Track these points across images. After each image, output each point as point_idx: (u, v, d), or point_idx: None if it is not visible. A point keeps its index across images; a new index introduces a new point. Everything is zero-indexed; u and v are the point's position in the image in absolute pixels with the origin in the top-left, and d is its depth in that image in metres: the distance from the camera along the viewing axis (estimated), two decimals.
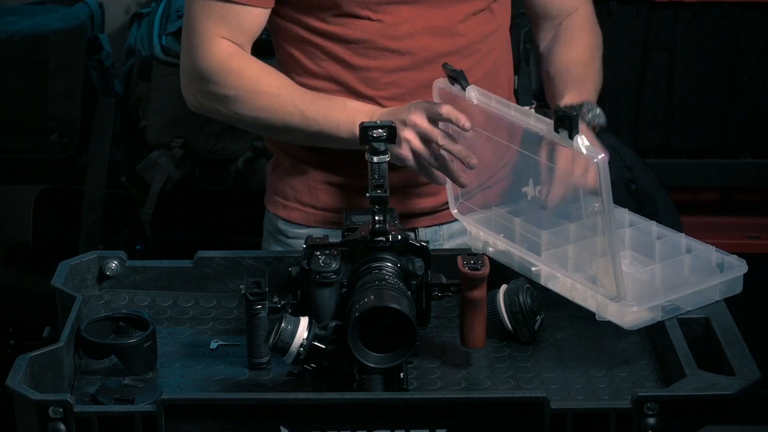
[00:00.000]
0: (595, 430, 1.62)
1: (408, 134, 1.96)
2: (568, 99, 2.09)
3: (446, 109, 1.93)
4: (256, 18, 2.08)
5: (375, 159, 1.78)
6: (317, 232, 2.16)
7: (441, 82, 1.99)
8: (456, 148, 1.94)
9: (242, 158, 3.03)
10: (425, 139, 1.96)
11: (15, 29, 3.08)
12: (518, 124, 1.86)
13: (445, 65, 1.96)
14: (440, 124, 1.96)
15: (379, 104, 2.08)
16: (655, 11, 3.21)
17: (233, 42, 2.07)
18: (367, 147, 1.79)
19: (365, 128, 1.78)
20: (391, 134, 1.78)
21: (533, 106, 3.14)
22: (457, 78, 1.94)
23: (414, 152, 1.97)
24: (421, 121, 1.95)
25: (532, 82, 3.16)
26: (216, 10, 2.05)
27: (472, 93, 1.94)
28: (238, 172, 3.04)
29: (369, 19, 2.06)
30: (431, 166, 1.97)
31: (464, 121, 1.92)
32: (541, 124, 1.82)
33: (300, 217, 2.19)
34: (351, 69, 2.09)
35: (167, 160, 3.04)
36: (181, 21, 3.04)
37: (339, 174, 2.15)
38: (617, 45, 3.23)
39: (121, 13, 3.48)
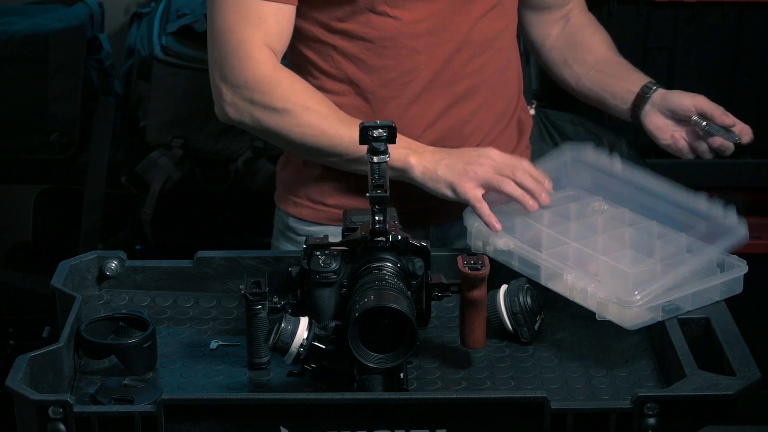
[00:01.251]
0: (595, 430, 1.62)
1: (481, 170, 1.96)
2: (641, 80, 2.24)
3: (527, 164, 1.99)
4: (288, 17, 2.04)
5: (375, 159, 1.78)
6: (328, 230, 2.15)
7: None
8: (531, 184, 1.96)
9: (242, 158, 3.03)
10: (500, 171, 1.97)
11: (15, 29, 3.08)
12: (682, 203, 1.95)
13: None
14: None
15: (390, 105, 2.08)
16: (655, 11, 3.21)
17: (268, 44, 2.03)
18: (367, 147, 1.79)
19: (365, 128, 1.78)
20: (391, 134, 1.78)
21: (533, 106, 3.16)
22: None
23: (480, 182, 1.97)
24: (501, 156, 1.99)
25: (532, 82, 3.16)
26: (253, 12, 2.01)
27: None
28: (238, 172, 3.04)
29: (387, 15, 2.04)
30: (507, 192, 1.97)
31: (544, 193, 1.97)
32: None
33: (311, 214, 2.19)
34: (368, 69, 2.07)
35: (167, 160, 3.04)
36: (180, 21, 3.06)
37: (351, 174, 2.14)
38: (617, 45, 3.22)
39: (121, 13, 3.48)
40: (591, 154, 2.06)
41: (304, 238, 2.17)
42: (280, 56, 2.07)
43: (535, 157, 2.86)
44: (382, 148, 1.78)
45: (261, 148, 3.00)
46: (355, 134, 1.95)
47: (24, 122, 3.09)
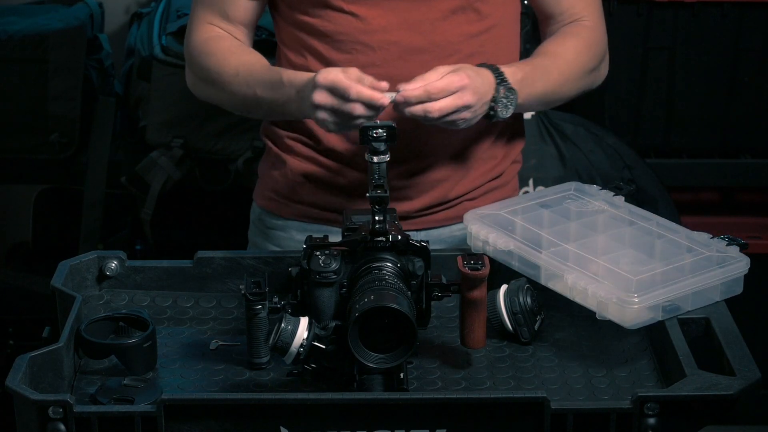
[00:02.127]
0: (595, 430, 1.62)
1: (322, 115, 1.91)
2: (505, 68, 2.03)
3: (354, 91, 1.88)
4: (243, 8, 2.11)
5: (375, 159, 1.78)
6: (293, 225, 2.16)
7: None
8: (366, 92, 1.88)
9: (242, 158, 3.03)
10: (337, 113, 1.91)
11: (15, 29, 3.08)
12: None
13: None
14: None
15: None
16: (655, 11, 3.21)
17: (221, 28, 2.11)
18: (368, 147, 1.79)
19: (365, 128, 1.78)
20: (391, 134, 1.78)
21: None
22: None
23: (334, 128, 1.93)
24: (323, 99, 1.90)
25: None
26: None
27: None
28: (238, 172, 3.04)
29: (342, 10, 2.04)
30: (346, 120, 1.92)
31: (378, 96, 1.88)
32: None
33: (278, 208, 2.19)
34: (326, 64, 2.07)
35: (167, 160, 3.05)
36: (180, 21, 3.07)
37: (318, 168, 2.14)
38: (617, 45, 3.23)
39: (121, 13, 3.48)
40: (595, 192, 2.05)
41: (272, 231, 2.18)
42: (240, 37, 2.13)
43: (534, 156, 2.85)
44: (382, 148, 1.78)
45: (261, 147, 3.00)
46: (255, 88, 2.04)
47: (24, 122, 3.09)
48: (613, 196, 2.04)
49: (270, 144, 2.20)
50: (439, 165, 2.11)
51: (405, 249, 1.79)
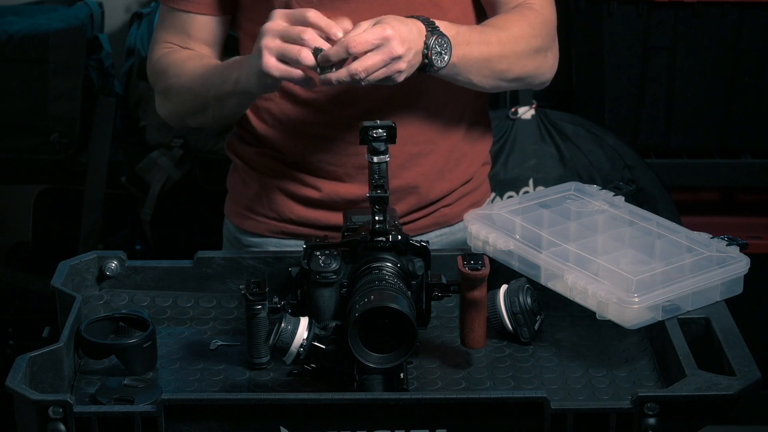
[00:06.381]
0: (595, 430, 1.62)
1: (267, 41, 1.84)
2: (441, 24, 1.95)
3: (313, 14, 1.83)
4: (204, 26, 2.10)
5: (375, 159, 1.78)
6: (273, 242, 2.14)
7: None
8: (325, 19, 1.82)
9: None
10: (285, 38, 1.84)
11: (15, 29, 3.09)
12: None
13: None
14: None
15: (319, 107, 2.05)
16: (655, 11, 3.21)
17: (180, 45, 2.10)
18: (368, 147, 1.79)
19: (365, 128, 1.78)
20: (391, 134, 1.78)
21: (533, 106, 3.15)
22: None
23: (276, 54, 1.85)
24: (276, 24, 1.85)
25: None
26: (168, 18, 2.11)
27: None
28: None
29: None
30: (290, 47, 1.84)
31: (335, 29, 1.83)
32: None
33: (254, 226, 2.16)
34: None
35: (167, 160, 3.05)
36: None
37: (291, 183, 2.12)
38: (617, 45, 3.23)
39: (121, 12, 3.48)
40: (596, 192, 2.05)
41: (251, 249, 2.16)
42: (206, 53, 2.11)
43: (534, 156, 2.85)
44: (382, 148, 1.78)
45: None
46: (212, 78, 2.00)
47: (24, 122, 3.09)
48: (613, 196, 2.04)
49: (237, 160, 2.17)
50: (410, 166, 2.10)
51: (405, 249, 1.79)
